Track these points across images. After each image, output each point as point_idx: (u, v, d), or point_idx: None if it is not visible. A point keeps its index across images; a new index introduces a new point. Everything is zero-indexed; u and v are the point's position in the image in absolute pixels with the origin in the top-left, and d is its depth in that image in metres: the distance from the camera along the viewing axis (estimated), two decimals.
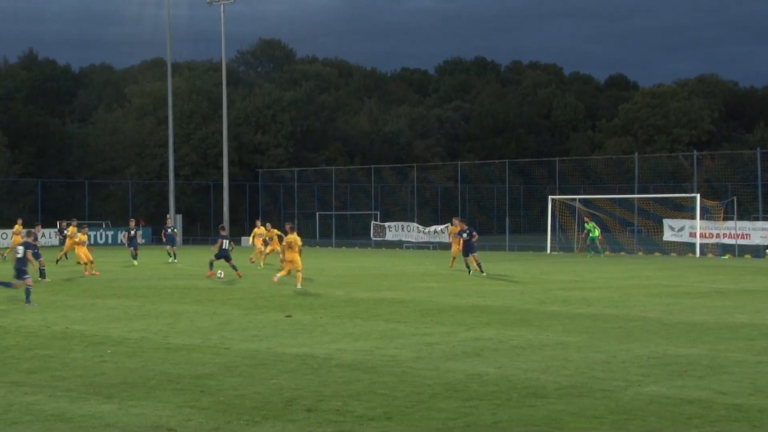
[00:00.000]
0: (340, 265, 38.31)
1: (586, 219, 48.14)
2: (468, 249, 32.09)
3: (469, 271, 32.06)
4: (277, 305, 21.63)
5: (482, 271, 31.71)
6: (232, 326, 17.59)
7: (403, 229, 61.26)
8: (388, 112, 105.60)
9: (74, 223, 36.88)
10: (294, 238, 26.51)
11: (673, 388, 11.34)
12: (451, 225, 34.67)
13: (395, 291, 25.87)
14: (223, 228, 34.29)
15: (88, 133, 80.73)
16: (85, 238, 32.95)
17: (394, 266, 38.37)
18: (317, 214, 70.85)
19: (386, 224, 62.88)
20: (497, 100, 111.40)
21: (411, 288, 26.96)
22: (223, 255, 30.70)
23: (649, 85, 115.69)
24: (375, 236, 62.20)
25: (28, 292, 21.55)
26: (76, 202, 69.77)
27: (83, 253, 32.12)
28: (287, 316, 19.17)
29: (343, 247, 60.65)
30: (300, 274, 26.28)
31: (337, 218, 69.63)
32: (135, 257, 38.91)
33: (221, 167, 66.98)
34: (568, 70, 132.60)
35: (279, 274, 26.68)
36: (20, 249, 22.08)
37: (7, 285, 22.02)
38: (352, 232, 70.82)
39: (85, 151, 78.89)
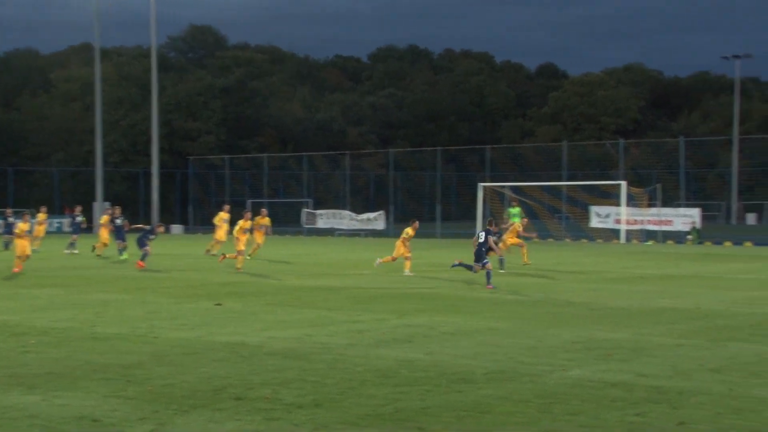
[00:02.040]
0: (271, 253, 38.15)
1: (512, 203, 48.57)
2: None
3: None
4: (207, 294, 21.51)
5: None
6: (161, 315, 17.45)
7: (335, 216, 61.26)
8: (321, 100, 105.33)
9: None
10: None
11: (597, 372, 11.58)
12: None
13: (327, 278, 25.90)
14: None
15: (13, 119, 79.04)
16: (27, 227, 29.75)
17: (326, 254, 38.39)
18: (249, 201, 70.45)
19: (318, 212, 62.84)
20: (430, 88, 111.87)
21: (343, 275, 27.01)
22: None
23: (578, 73, 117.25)
24: (307, 224, 62.11)
25: None
26: (1, 189, 68.34)
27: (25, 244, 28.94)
28: (217, 305, 19.07)
29: (275, 235, 60.36)
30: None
31: (269, 206, 69.20)
32: (123, 251, 33.82)
33: (151, 154, 66.16)
34: (499, 59, 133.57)
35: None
36: None
37: None
38: (284, 220, 70.52)
39: (10, 137, 77.22)
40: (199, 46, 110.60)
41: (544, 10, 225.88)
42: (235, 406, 9.78)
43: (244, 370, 11.79)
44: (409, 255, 27.46)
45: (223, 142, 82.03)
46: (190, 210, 73.37)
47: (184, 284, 24.05)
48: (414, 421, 9.06)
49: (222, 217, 36.39)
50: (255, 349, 13.43)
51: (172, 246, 45.46)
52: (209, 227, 41.87)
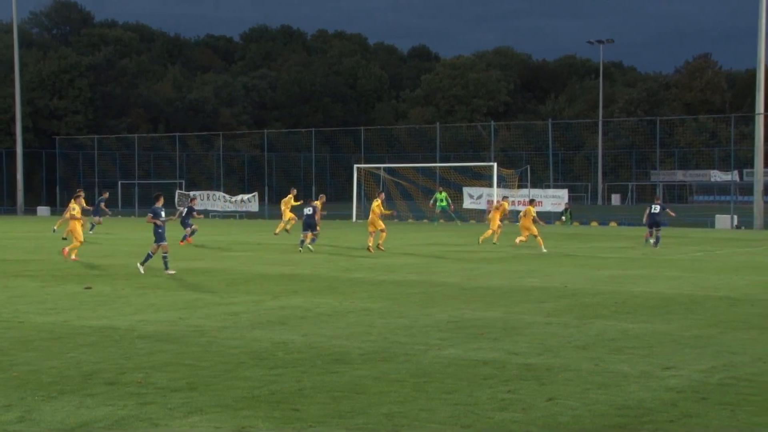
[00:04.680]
0: (143, 235, 37.35)
1: (439, 189, 49.22)
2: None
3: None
4: (75, 276, 20.96)
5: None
6: (27, 299, 16.90)
7: (209, 198, 60.43)
8: (193, 80, 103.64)
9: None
10: None
11: (470, 350, 11.81)
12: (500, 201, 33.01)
13: (201, 260, 25.58)
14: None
15: None
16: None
17: (200, 235, 37.86)
18: (119, 182, 68.86)
19: (192, 193, 61.85)
20: (304, 69, 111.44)
21: (217, 257, 26.73)
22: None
23: (450, 56, 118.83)
24: (180, 205, 61.07)
25: None
26: None
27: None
28: (87, 288, 18.61)
29: (142, 217, 59.18)
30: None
31: (141, 187, 67.83)
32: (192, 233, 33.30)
33: (14, 134, 63.82)
34: (372, 40, 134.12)
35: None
36: None
37: None
38: (156, 201, 69.22)
39: None
40: (64, 23, 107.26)
41: None
42: (107, 391, 9.58)
43: (116, 354, 11.55)
44: (383, 228, 29.32)
45: (91, 121, 79.86)
46: (57, 191, 71.19)
47: (52, 267, 23.35)
48: (289, 403, 9.05)
49: (290, 201, 37.08)
50: (126, 332, 13.17)
51: (38, 228, 44.09)
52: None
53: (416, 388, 9.67)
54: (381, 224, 29.28)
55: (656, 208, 31.71)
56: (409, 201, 54.70)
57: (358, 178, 53.56)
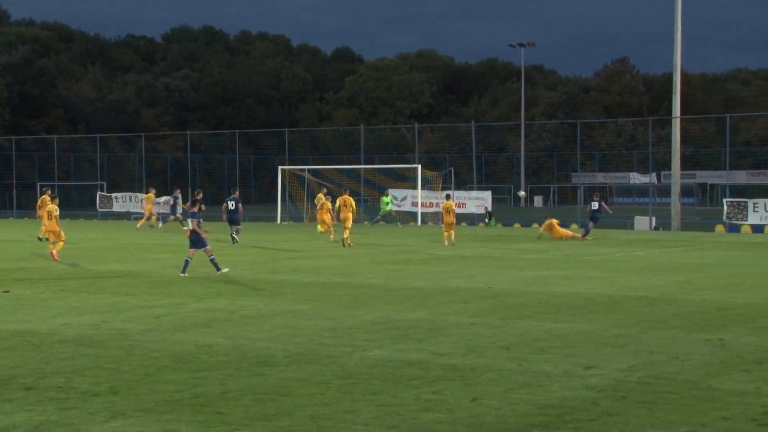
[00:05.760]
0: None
1: (385, 192, 49.43)
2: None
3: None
4: None
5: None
6: None
7: (131, 200, 59.51)
8: (114, 80, 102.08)
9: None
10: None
11: (396, 351, 11.86)
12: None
13: (123, 263, 25.21)
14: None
15: None
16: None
17: (122, 238, 37.32)
18: (38, 184, 67.36)
19: (113, 195, 60.90)
20: (227, 70, 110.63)
21: (140, 260, 26.37)
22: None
23: (374, 58, 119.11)
24: (101, 207, 60.11)
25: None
26: None
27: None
28: (5, 292, 18.20)
29: (67, 219, 58.01)
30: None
31: (60, 189, 66.40)
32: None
33: None
34: (296, 41, 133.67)
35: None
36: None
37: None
38: (76, 204, 67.86)
39: None
40: None
41: None
42: (26, 396, 9.39)
43: (35, 358, 11.33)
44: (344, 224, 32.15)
45: (7, 122, 78.04)
46: None
47: None
48: (213, 406, 8.99)
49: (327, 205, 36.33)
50: (46, 336, 12.92)
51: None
52: None
53: (341, 390, 9.69)
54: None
55: (595, 205, 35.12)
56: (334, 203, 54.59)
57: (282, 179, 53.33)
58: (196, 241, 21.86)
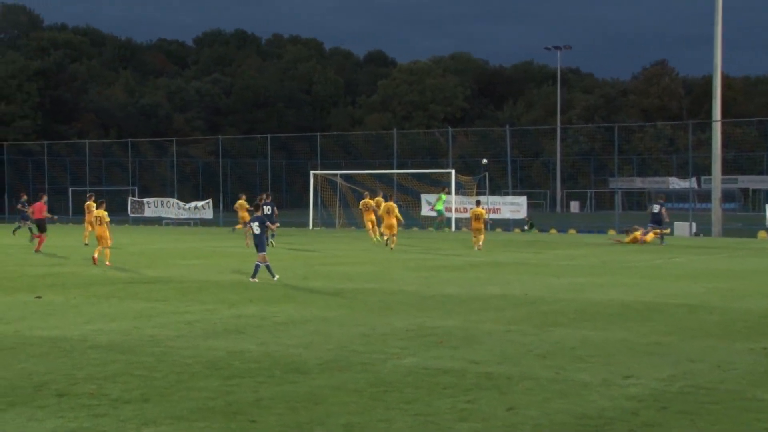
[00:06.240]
0: (95, 243, 36.83)
1: (445, 190, 48.98)
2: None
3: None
4: (26, 286, 20.52)
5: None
6: None
7: (162, 205, 59.77)
8: (145, 84, 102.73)
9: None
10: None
11: (429, 359, 11.68)
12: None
13: (154, 269, 25.21)
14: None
15: None
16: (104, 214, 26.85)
17: (154, 243, 37.44)
18: (70, 189, 67.88)
19: (145, 200, 61.19)
20: (258, 74, 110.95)
21: (171, 265, 26.37)
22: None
23: (406, 61, 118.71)
24: (133, 213, 60.41)
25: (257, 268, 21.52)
26: None
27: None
28: (37, 297, 18.22)
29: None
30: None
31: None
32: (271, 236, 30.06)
33: None
34: (328, 45, 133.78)
35: None
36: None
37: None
38: (108, 209, 68.39)
39: None
40: (12, 27, 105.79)
41: None
42: (58, 402, 9.32)
43: (67, 365, 11.27)
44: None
45: (40, 127, 78.71)
46: (6, 199, 70.06)
47: (1, 276, 22.86)
48: (246, 414, 8.86)
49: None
50: (78, 343, 12.87)
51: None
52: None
53: (375, 398, 9.53)
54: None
55: (656, 208, 34.56)
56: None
57: (314, 184, 53.29)
58: (259, 244, 21.81)
